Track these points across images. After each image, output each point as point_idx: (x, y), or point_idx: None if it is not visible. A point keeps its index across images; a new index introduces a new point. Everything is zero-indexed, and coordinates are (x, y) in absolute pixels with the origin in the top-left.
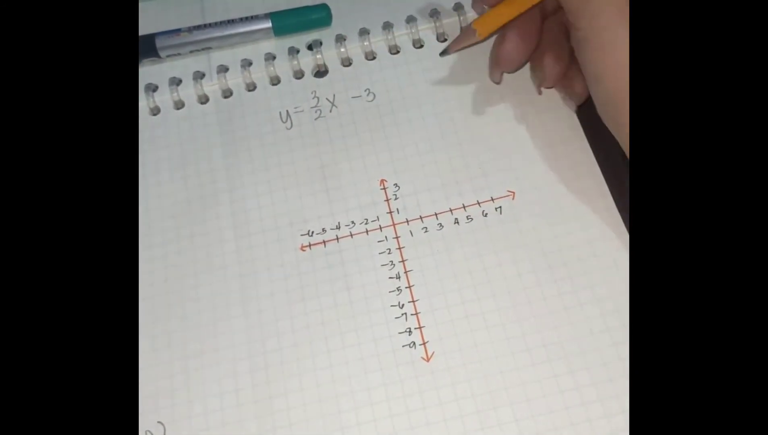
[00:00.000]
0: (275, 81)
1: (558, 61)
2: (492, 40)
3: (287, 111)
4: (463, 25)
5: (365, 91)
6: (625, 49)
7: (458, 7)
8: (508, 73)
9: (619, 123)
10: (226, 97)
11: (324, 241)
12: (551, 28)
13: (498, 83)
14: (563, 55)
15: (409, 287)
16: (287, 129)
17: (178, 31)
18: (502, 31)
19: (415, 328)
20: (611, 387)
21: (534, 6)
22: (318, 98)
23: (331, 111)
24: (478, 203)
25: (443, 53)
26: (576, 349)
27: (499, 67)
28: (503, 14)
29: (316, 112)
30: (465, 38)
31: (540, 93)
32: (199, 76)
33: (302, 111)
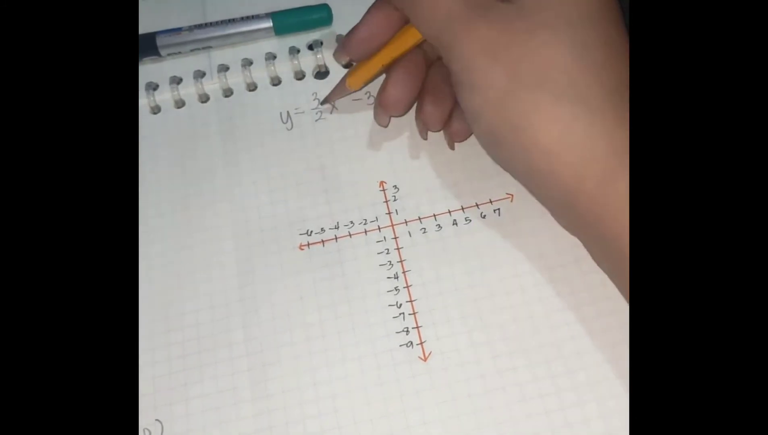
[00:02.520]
0: (276, 81)
1: (438, 106)
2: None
3: (288, 112)
4: None
5: (365, 93)
6: (492, 87)
7: None
8: (395, 117)
9: (500, 157)
10: (226, 96)
11: (323, 241)
12: (435, 73)
13: (385, 126)
14: (444, 100)
15: (407, 287)
16: (288, 130)
17: (178, 29)
18: (386, 75)
19: (413, 328)
20: (609, 387)
21: (409, 51)
22: (318, 100)
23: (331, 113)
24: (477, 205)
25: (323, 102)
26: (573, 350)
27: (384, 111)
28: (372, 66)
29: (316, 113)
30: (340, 91)
31: (425, 138)
32: (199, 75)
33: (303, 112)
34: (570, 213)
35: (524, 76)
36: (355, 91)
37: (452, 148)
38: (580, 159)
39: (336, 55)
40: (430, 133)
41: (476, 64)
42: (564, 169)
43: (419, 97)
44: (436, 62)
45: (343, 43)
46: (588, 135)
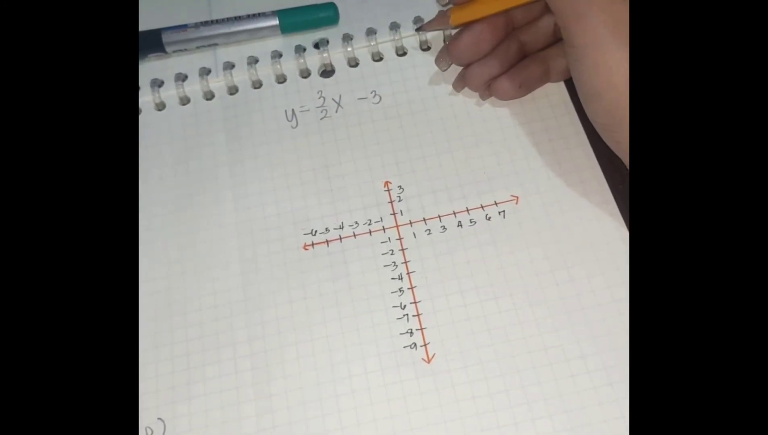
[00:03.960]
0: (281, 79)
1: (513, 80)
2: None
3: (293, 110)
4: None
5: (371, 92)
6: (620, 67)
7: None
8: (457, 64)
9: (616, 139)
10: (231, 93)
11: (327, 241)
12: (511, 41)
13: (444, 71)
14: (518, 74)
15: (411, 289)
16: (293, 128)
17: (184, 26)
18: (465, 26)
19: (417, 330)
20: (611, 391)
21: (506, 11)
22: (324, 98)
23: (336, 111)
24: (482, 207)
25: (419, 29)
26: (577, 352)
27: (450, 56)
28: (477, 11)
29: (321, 111)
30: (440, 22)
31: (445, 69)
32: (205, 72)
33: (308, 110)
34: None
35: (608, 30)
36: (453, 28)
37: (485, 98)
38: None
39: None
40: (433, 134)
41: (605, 43)
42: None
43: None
44: (514, 31)
45: None
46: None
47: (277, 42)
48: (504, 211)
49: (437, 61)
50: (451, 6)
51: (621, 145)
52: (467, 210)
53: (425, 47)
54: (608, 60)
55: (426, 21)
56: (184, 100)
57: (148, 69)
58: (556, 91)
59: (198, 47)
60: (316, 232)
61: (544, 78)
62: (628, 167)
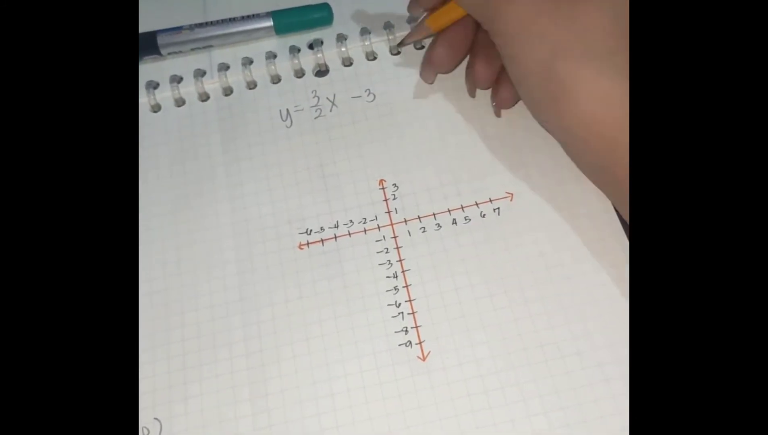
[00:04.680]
0: (276, 79)
1: (488, 66)
2: None
3: (287, 109)
4: None
5: (365, 91)
6: (531, 59)
7: None
8: (441, 74)
9: (541, 121)
10: (226, 95)
11: (322, 240)
12: (485, 34)
13: (431, 83)
14: (493, 61)
15: (406, 287)
16: (287, 127)
17: (179, 28)
18: (436, 36)
19: (412, 328)
20: (607, 387)
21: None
22: (318, 97)
23: (331, 110)
24: (476, 204)
25: (401, 44)
26: (573, 350)
27: (431, 67)
28: (452, 12)
29: (316, 111)
30: (419, 32)
31: (473, 96)
32: (200, 73)
33: (302, 110)
34: (604, 175)
35: (563, 48)
36: (431, 36)
37: (499, 115)
38: (615, 128)
39: (410, 6)
40: (427, 132)
41: (516, 37)
42: (598, 138)
43: (470, 57)
44: None
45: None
46: (624, 104)
47: (272, 43)
48: (499, 208)
49: (422, 75)
50: (425, 15)
51: (548, 127)
52: (462, 207)
53: (418, 46)
54: (522, 52)
55: (404, 36)
56: (180, 102)
57: (143, 71)
58: None
59: (193, 49)
60: (311, 231)
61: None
62: (556, 139)
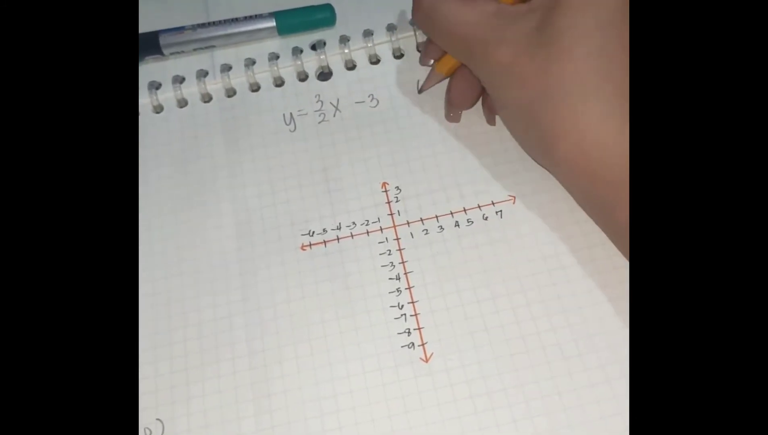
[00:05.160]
0: (279, 82)
1: (464, 89)
2: None
3: (291, 114)
4: None
5: (369, 96)
6: (516, 105)
7: None
8: (464, 110)
9: (534, 158)
10: (229, 96)
11: (325, 241)
12: None
13: (457, 122)
14: (471, 83)
15: (409, 288)
16: (291, 132)
17: (181, 29)
18: (451, 76)
19: (414, 329)
20: (609, 390)
21: None
22: (322, 102)
23: (334, 115)
24: (479, 207)
25: (421, 91)
26: (574, 352)
27: (453, 107)
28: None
29: (319, 115)
30: (433, 78)
31: (493, 124)
32: (202, 74)
33: (306, 114)
34: (594, 209)
35: (543, 94)
36: (445, 79)
37: (492, 123)
38: (594, 166)
39: (421, 60)
40: (430, 135)
41: (499, 87)
42: (583, 176)
43: (449, 81)
44: None
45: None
46: (602, 144)
47: (275, 43)
48: (501, 211)
49: (448, 117)
50: (433, 63)
51: (537, 161)
52: (464, 210)
53: (421, 49)
54: (504, 99)
55: (422, 83)
56: (182, 103)
57: (145, 71)
58: None
59: (195, 49)
60: (313, 232)
61: None
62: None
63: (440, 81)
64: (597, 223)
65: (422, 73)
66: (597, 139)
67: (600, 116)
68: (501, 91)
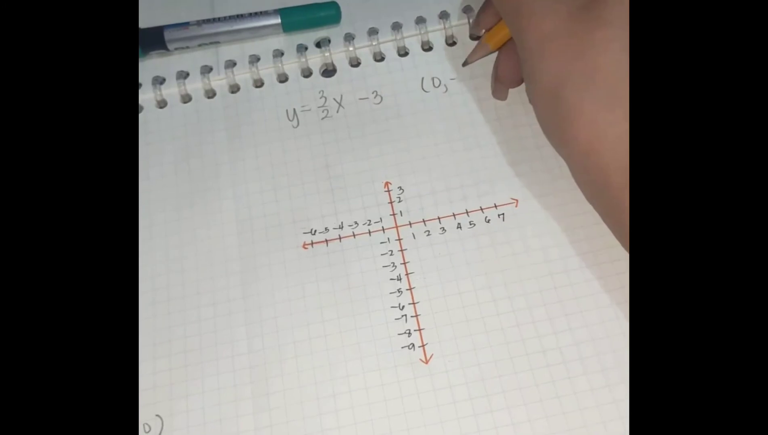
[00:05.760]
0: (283, 78)
1: (513, 65)
2: None
3: (294, 109)
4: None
5: (372, 93)
6: (545, 78)
7: (468, 10)
8: (511, 88)
9: (549, 140)
10: (233, 92)
11: (326, 240)
12: None
13: (504, 99)
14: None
15: (410, 289)
16: (294, 127)
17: (186, 24)
18: (498, 52)
19: (415, 330)
20: (609, 393)
21: None
22: (325, 98)
23: (338, 111)
24: (482, 209)
25: (464, 64)
26: (575, 356)
27: (500, 84)
28: (506, 27)
29: (323, 111)
30: (480, 51)
31: (498, 97)
32: (206, 70)
33: (309, 110)
34: (600, 202)
35: (573, 76)
36: (491, 53)
37: (499, 97)
38: (609, 163)
39: (472, 29)
40: (434, 135)
41: (533, 57)
42: (595, 169)
43: (498, 54)
44: None
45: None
46: (621, 142)
47: (279, 40)
48: (504, 213)
49: (494, 94)
50: (483, 33)
51: (555, 148)
52: (467, 212)
53: (427, 47)
54: (536, 72)
55: (468, 55)
56: (186, 98)
57: (149, 66)
58: None
59: (200, 45)
60: (315, 231)
61: None
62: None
63: (486, 54)
64: (603, 220)
65: (427, 69)
66: (615, 133)
67: (614, 110)
68: (534, 63)
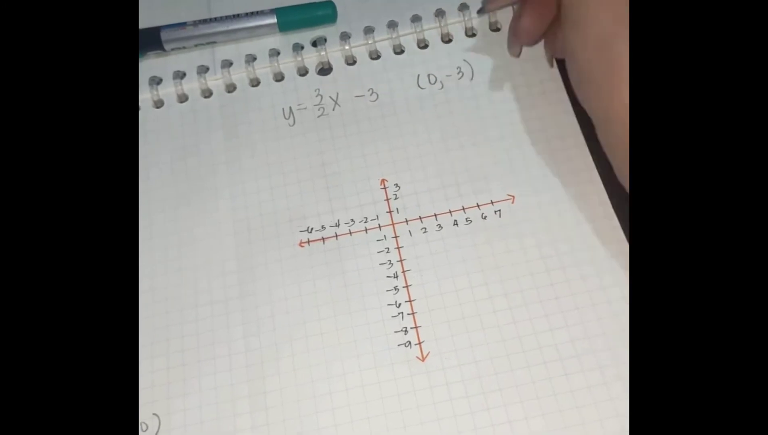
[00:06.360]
0: (279, 77)
1: (537, 20)
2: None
3: (290, 108)
4: (468, 25)
5: (368, 90)
6: (596, 26)
7: (463, 8)
8: (527, 46)
9: (583, 95)
10: (229, 91)
11: (323, 238)
12: None
13: (517, 56)
14: (543, 15)
15: (407, 287)
16: (290, 126)
17: (183, 24)
18: (520, 6)
19: (411, 328)
20: (606, 390)
21: None
22: (321, 96)
23: (334, 109)
24: (478, 206)
25: (480, 12)
26: (572, 353)
27: (518, 40)
28: None
29: (319, 109)
30: None
31: (514, 54)
32: (203, 70)
33: (305, 108)
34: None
35: (624, 25)
36: (512, 3)
37: (551, 65)
38: None
39: None
40: (430, 133)
41: (582, 2)
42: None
43: (520, 7)
44: None
45: None
46: None
47: (275, 40)
48: (500, 210)
49: (510, 49)
50: None
51: (589, 103)
52: (463, 208)
53: (422, 45)
54: (586, 17)
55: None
56: (182, 98)
57: (146, 66)
58: (555, 90)
59: (196, 45)
60: (312, 229)
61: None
62: (593, 119)
63: (507, 4)
64: (621, 172)
65: (423, 67)
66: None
67: None
68: (583, 9)
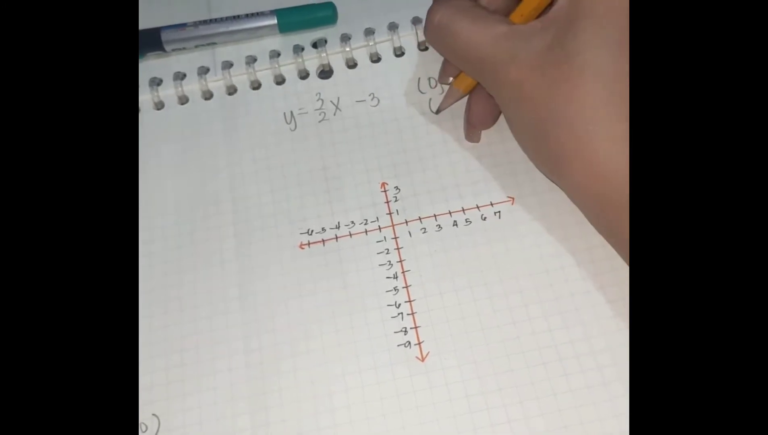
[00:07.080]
0: (280, 80)
1: (484, 106)
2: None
3: (291, 112)
4: None
5: (369, 95)
6: (526, 126)
7: None
8: (485, 130)
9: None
10: (230, 93)
11: (323, 240)
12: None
13: (478, 142)
14: (491, 100)
15: (406, 287)
16: (291, 130)
17: (183, 25)
18: (469, 95)
19: (411, 328)
20: (605, 390)
21: None
22: (322, 100)
23: (335, 114)
24: (477, 207)
25: (438, 111)
26: (571, 353)
27: (473, 127)
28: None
29: (320, 114)
30: (451, 97)
31: (471, 139)
32: (203, 71)
33: (306, 113)
34: (599, 224)
35: (553, 113)
36: (464, 96)
37: (472, 140)
38: (604, 189)
39: (440, 77)
40: (430, 136)
41: (510, 106)
42: (591, 196)
43: (469, 97)
44: None
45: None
46: (612, 167)
47: (276, 41)
48: (500, 211)
49: (468, 138)
50: (452, 80)
51: (551, 180)
52: (463, 210)
53: (423, 48)
54: (514, 119)
55: (440, 103)
56: (183, 100)
57: (146, 68)
58: None
59: (197, 46)
60: (312, 231)
61: None
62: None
63: (459, 99)
64: (608, 242)
65: (423, 70)
66: (607, 162)
67: (610, 139)
68: (512, 109)
